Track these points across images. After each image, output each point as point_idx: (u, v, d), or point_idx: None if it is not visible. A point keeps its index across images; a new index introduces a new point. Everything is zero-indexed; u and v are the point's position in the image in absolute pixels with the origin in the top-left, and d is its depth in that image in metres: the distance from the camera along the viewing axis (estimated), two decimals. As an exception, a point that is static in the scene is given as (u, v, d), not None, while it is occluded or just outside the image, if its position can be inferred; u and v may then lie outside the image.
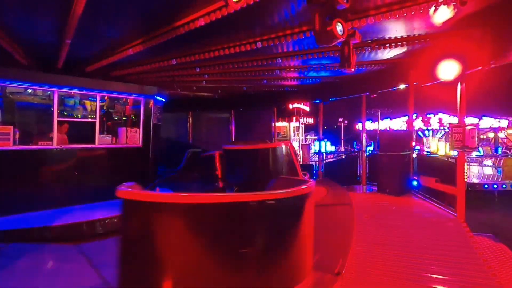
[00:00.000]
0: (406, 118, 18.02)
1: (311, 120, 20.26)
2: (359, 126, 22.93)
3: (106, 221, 5.85)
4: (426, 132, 21.16)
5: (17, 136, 6.20)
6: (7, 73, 6.06)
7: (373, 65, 7.50)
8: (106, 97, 7.60)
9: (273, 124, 13.09)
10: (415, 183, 8.19)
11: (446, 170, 6.86)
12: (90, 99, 7.39)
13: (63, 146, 6.74)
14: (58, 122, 6.65)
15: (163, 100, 8.58)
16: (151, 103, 7.99)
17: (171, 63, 6.40)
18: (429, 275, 3.85)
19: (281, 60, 6.37)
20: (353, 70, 4.21)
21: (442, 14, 4.68)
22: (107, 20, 4.86)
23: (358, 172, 10.73)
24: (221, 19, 4.22)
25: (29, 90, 6.76)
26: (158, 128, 8.41)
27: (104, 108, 7.68)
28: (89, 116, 7.33)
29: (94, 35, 5.36)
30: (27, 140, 6.43)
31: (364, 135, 10.49)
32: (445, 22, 5.03)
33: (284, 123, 18.05)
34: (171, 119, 12.59)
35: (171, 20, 4.68)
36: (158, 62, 6.47)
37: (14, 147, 6.13)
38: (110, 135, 7.45)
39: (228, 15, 4.08)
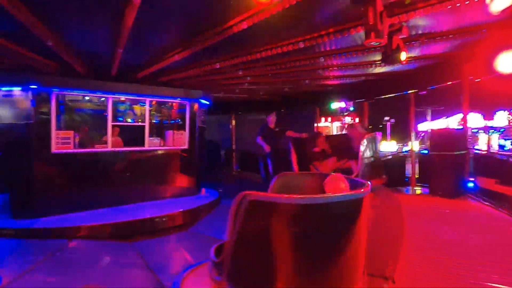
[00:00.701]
0: (460, 115, 16.93)
1: (355, 120, 19.69)
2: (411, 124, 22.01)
3: (156, 220, 6.13)
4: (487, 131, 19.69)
5: (76, 140, 6.72)
6: (68, 82, 6.59)
7: (422, 60, 7.12)
8: (154, 102, 7.98)
9: (315, 124, 12.91)
10: (471, 184, 7.64)
11: (509, 170, 6.33)
12: (140, 104, 7.81)
13: (116, 149, 7.17)
14: (112, 126, 7.09)
15: (208, 103, 8.82)
16: (196, 106, 8.25)
17: (214, 67, 6.56)
18: (492, 284, 3.57)
19: (323, 59, 6.28)
20: (402, 64, 4.05)
21: (501, 2, 4.33)
22: (155, 29, 5.10)
23: (407, 173, 10.23)
24: (263, 21, 4.26)
25: (86, 98, 7.29)
26: (203, 131, 8.67)
27: (152, 112, 8.08)
28: (138, 120, 7.75)
29: (143, 43, 5.65)
30: (85, 143, 6.94)
31: (413, 134, 10.00)
32: (504, 11, 4.65)
33: (327, 123, 17.74)
34: (215, 122, 12.92)
35: (214, 25, 4.81)
36: (202, 66, 6.66)
37: (74, 150, 6.64)
38: (159, 138, 7.82)
39: (270, 16, 4.11)
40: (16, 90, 6.27)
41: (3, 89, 6.24)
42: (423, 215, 6.27)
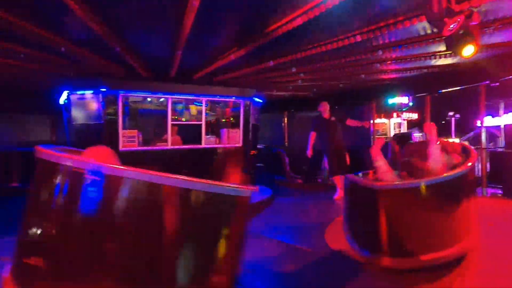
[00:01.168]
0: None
1: (414, 115, 18.51)
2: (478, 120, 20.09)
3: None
4: None
5: (140, 139, 7.19)
6: (132, 84, 7.08)
7: (495, 48, 6.49)
8: (208, 101, 8.24)
9: (371, 121, 12.39)
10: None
11: None
12: (195, 103, 8.12)
13: (175, 147, 7.55)
14: (171, 125, 7.47)
15: (261, 101, 8.90)
16: (250, 104, 8.38)
17: (268, 65, 6.60)
18: None
19: (382, 52, 6.00)
20: (475, 54, 3.73)
21: None
22: (211, 30, 5.27)
23: (476, 173, 9.40)
24: (318, 16, 4.19)
25: (148, 99, 7.76)
26: (256, 128, 8.77)
27: (207, 111, 8.35)
28: (194, 119, 8.08)
29: (200, 45, 5.86)
30: (147, 141, 7.40)
31: (483, 130, 9.16)
32: None
33: (384, 120, 16.92)
34: (268, 120, 12.97)
35: (268, 23, 4.84)
36: (256, 65, 6.74)
37: (138, 148, 7.12)
38: (214, 136, 8.07)
39: (326, 11, 4.03)
40: (88, 93, 6.88)
41: (78, 92, 6.88)
42: (497, 219, 5.70)
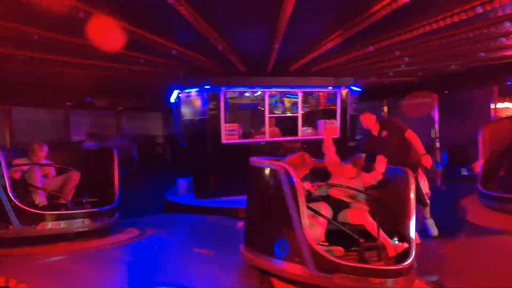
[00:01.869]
0: None
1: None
2: None
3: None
4: None
5: (240, 132, 7.56)
6: (232, 80, 7.47)
7: None
8: (304, 93, 8.16)
9: (491, 106, 10.70)
10: None
11: None
12: (287, 96, 8.17)
13: (273, 139, 7.73)
14: (269, 118, 7.66)
15: (359, 90, 8.48)
16: (347, 94, 8.05)
17: (368, 51, 6.22)
18: None
19: (510, 24, 5.09)
20: None
21: None
22: (308, 20, 5.19)
23: None
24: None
25: (246, 94, 8.10)
26: (354, 119, 8.40)
27: (302, 102, 8.30)
28: (287, 112, 8.13)
29: (296, 36, 5.83)
30: (246, 134, 7.74)
31: None
32: None
33: (508, 104, 14.43)
34: (366, 109, 12.32)
35: (369, 6, 4.53)
36: (354, 51, 6.42)
37: (238, 141, 7.50)
38: (311, 128, 8.00)
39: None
40: (194, 91, 7.50)
41: (186, 91, 7.56)
42: None
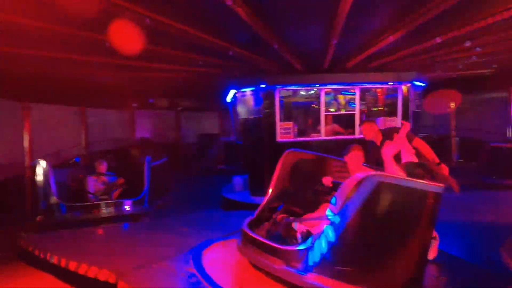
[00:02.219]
0: None
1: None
2: None
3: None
4: None
5: (295, 130, 7.51)
6: (288, 79, 7.45)
7: None
8: (361, 89, 7.84)
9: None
10: None
11: None
12: (343, 93, 7.90)
13: (329, 137, 7.56)
14: (325, 116, 7.50)
15: (423, 85, 7.95)
16: (409, 89, 7.59)
17: (434, 42, 5.80)
18: None
19: None
20: None
21: None
22: (368, 13, 4.98)
23: None
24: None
25: (302, 92, 8.01)
26: (417, 116, 7.90)
27: (357, 99, 7.97)
28: (342, 109, 7.88)
29: (355, 31, 5.63)
30: (301, 133, 7.66)
31: None
32: None
33: None
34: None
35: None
36: (418, 44, 6.02)
37: (294, 139, 7.45)
38: (369, 126, 7.67)
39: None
40: (250, 90, 7.60)
41: (242, 90, 7.70)
42: None
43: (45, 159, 5.92)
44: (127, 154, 10.69)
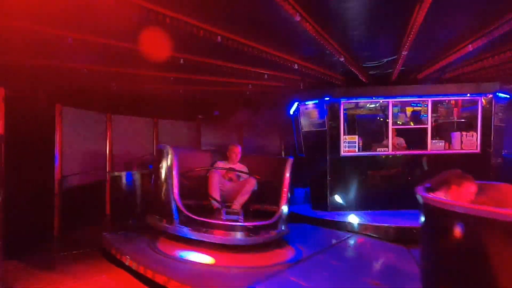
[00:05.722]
0: None
1: None
2: None
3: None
4: None
5: (360, 144, 7.28)
6: (353, 92, 7.29)
7: None
8: (433, 102, 7.34)
9: None
10: None
11: None
12: (412, 105, 7.47)
13: (397, 152, 7.18)
14: (393, 130, 7.16)
15: (508, 96, 7.20)
16: (492, 101, 6.92)
17: (521, 51, 5.25)
18: None
19: None
20: None
21: None
22: (443, 22, 4.69)
23: None
24: None
25: (367, 104, 7.75)
26: (501, 131, 7.15)
27: (425, 113, 7.47)
28: (410, 122, 7.44)
29: (427, 41, 5.34)
30: (366, 147, 7.39)
31: None
32: None
33: None
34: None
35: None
36: (503, 52, 5.49)
37: (358, 153, 7.22)
38: (443, 141, 7.15)
39: None
40: (313, 103, 7.57)
41: (305, 103, 7.70)
42: None
43: (120, 166, 6.47)
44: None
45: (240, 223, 4.49)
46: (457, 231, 2.19)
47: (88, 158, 7.93)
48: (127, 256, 4.40)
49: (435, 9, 4.04)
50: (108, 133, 8.57)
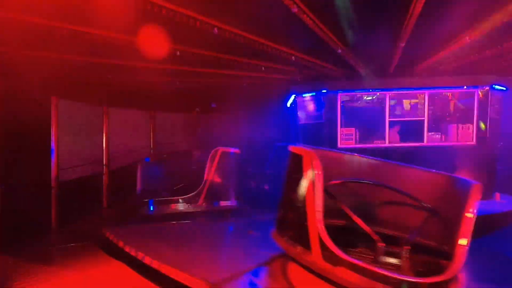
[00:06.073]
0: None
1: None
2: None
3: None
4: None
5: (357, 136, 7.30)
6: (350, 84, 7.29)
7: None
8: (430, 94, 7.36)
9: None
10: None
11: None
12: (409, 98, 7.47)
13: (394, 145, 7.21)
14: (389, 122, 7.18)
15: (504, 89, 7.22)
16: (488, 94, 6.95)
17: (518, 43, 5.26)
18: None
19: None
20: None
21: None
22: (440, 14, 4.68)
23: None
24: None
25: (364, 97, 7.75)
26: (496, 123, 7.19)
27: (426, 105, 7.49)
28: (406, 114, 7.45)
29: (425, 33, 5.33)
30: (364, 139, 7.41)
31: None
32: None
33: None
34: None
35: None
36: (500, 45, 5.50)
37: (355, 145, 7.25)
38: (439, 133, 7.18)
39: None
40: (311, 95, 7.57)
41: (303, 95, 7.70)
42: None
43: (117, 159, 6.47)
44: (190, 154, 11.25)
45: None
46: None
47: (85, 151, 7.91)
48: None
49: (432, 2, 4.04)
50: (105, 126, 8.54)
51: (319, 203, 3.30)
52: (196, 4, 4.08)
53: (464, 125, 7.10)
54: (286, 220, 3.75)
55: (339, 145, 7.22)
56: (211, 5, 4.15)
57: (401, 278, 2.75)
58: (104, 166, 8.01)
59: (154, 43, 5.20)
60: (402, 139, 7.32)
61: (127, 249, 4.51)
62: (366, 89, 7.35)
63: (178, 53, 5.52)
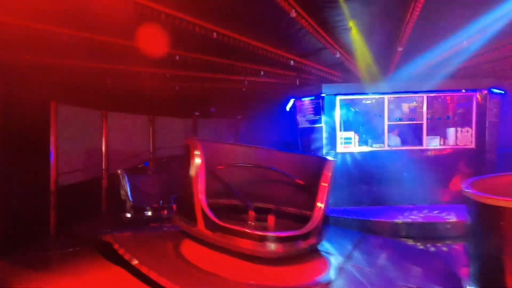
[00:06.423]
0: None
1: None
2: None
3: (448, 226, 5.60)
4: None
5: (356, 140, 7.30)
6: (349, 87, 7.30)
7: None
8: (428, 97, 7.35)
9: None
10: None
11: None
12: (408, 101, 7.49)
13: (393, 148, 7.21)
14: (389, 126, 7.19)
15: (502, 92, 7.25)
16: (486, 97, 6.97)
17: (516, 47, 5.29)
18: None
19: None
20: None
21: None
22: (436, 19, 4.72)
23: None
24: None
25: (358, 100, 7.76)
26: (495, 126, 7.20)
27: (425, 108, 7.50)
28: (405, 117, 7.45)
29: (421, 38, 5.36)
30: (363, 143, 7.41)
31: None
32: None
33: None
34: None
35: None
36: (499, 48, 5.54)
37: (354, 150, 7.24)
38: (438, 136, 7.19)
39: None
40: (310, 99, 7.56)
41: (302, 99, 7.70)
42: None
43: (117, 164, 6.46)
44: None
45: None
46: None
47: (84, 155, 7.91)
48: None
49: (429, 7, 4.07)
50: (104, 130, 8.54)
51: (202, 181, 4.10)
52: (195, 9, 4.12)
53: (463, 129, 7.11)
54: (181, 204, 4.61)
55: (338, 150, 7.22)
56: (210, 10, 4.19)
57: (263, 233, 3.72)
58: (103, 171, 8.01)
59: (153, 47, 5.22)
60: (401, 143, 7.31)
61: (127, 257, 4.44)
62: (365, 93, 7.37)
63: (177, 57, 5.55)
